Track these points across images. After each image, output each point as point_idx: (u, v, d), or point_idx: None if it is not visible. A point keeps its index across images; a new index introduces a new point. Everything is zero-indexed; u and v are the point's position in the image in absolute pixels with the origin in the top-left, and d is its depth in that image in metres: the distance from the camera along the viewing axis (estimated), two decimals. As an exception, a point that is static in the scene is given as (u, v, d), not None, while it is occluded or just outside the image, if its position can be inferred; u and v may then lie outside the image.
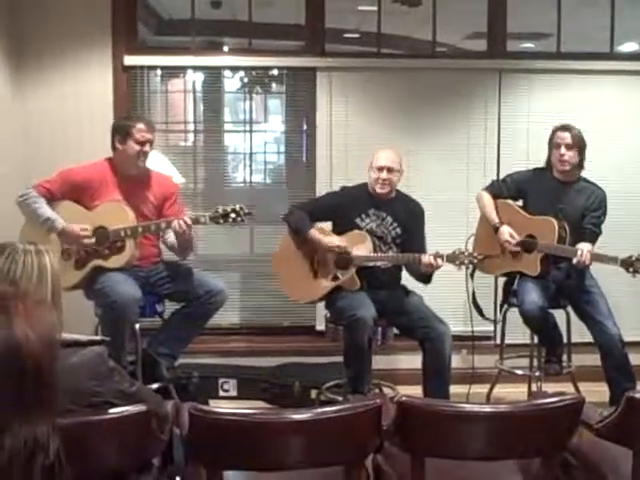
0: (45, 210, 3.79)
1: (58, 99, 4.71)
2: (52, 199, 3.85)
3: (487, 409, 2.34)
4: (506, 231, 4.13)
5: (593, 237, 4.07)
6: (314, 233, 4.07)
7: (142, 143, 3.84)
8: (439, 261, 3.83)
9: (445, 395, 3.88)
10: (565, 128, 4.15)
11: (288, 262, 4.17)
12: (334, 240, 4.03)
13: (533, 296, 4.00)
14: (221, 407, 2.66)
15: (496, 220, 4.19)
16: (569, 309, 4.24)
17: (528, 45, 5.58)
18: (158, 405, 2.38)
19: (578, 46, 5.10)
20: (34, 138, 4.67)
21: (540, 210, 4.14)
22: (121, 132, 3.87)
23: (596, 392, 4.06)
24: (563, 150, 4.11)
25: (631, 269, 3.73)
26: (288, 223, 4.17)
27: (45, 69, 4.69)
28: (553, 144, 4.17)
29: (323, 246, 4.03)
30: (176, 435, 2.43)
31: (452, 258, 3.86)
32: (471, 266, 4.04)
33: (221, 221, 3.72)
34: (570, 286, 4.15)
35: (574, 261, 3.88)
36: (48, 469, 1.81)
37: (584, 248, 3.89)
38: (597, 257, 3.89)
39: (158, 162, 4.35)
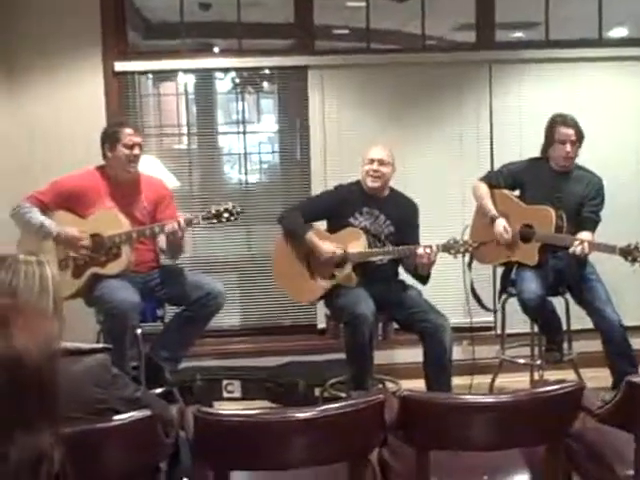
0: (38, 217, 3.80)
1: (50, 107, 4.71)
2: (45, 210, 3.86)
3: (489, 400, 2.36)
4: (501, 224, 4.14)
5: (593, 225, 4.09)
6: (310, 238, 4.06)
7: (131, 146, 3.87)
8: (433, 248, 3.84)
9: (447, 387, 3.90)
10: (567, 124, 4.12)
11: (285, 263, 4.18)
12: (330, 247, 4.02)
13: (532, 285, 4.02)
14: (225, 409, 2.68)
15: (493, 211, 4.20)
16: (568, 297, 4.26)
17: (517, 35, 5.58)
18: (163, 409, 2.40)
19: (567, 34, 5.11)
20: (25, 146, 4.66)
21: (537, 200, 4.15)
22: (109, 139, 3.89)
23: (598, 378, 4.10)
24: (569, 147, 4.11)
25: (630, 257, 3.75)
26: (283, 226, 4.18)
27: (36, 77, 4.68)
28: (556, 139, 4.15)
29: (319, 253, 4.04)
30: (182, 438, 2.44)
31: (447, 247, 3.88)
32: (467, 255, 4.06)
33: (214, 221, 3.76)
34: (568, 274, 4.17)
35: (573, 251, 3.89)
36: (54, 478, 1.83)
37: (584, 238, 3.91)
38: (595, 246, 3.90)
39: (152, 167, 4.36)
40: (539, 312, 4.07)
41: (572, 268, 4.15)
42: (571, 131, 4.12)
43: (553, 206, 4.07)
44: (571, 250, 3.90)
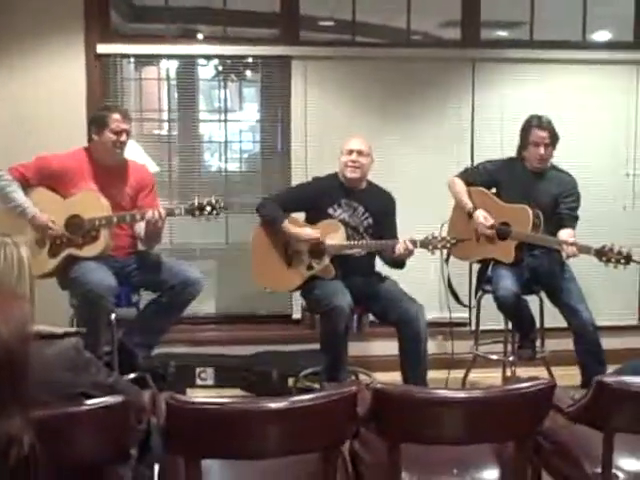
0: (18, 196, 3.78)
1: (30, 88, 4.67)
2: (26, 184, 3.84)
3: (461, 395, 2.36)
4: (480, 215, 4.17)
5: (572, 222, 4.14)
6: (287, 226, 4.07)
7: (118, 133, 3.85)
8: (411, 246, 3.86)
9: (422, 379, 3.92)
10: (541, 126, 4.16)
11: (262, 252, 4.17)
12: (307, 231, 4.03)
13: (507, 282, 4.05)
14: (198, 396, 2.67)
15: (470, 205, 4.23)
16: (542, 295, 4.30)
17: (502, 34, 5.61)
18: (135, 395, 2.39)
19: (551, 34, 5.14)
20: (5, 126, 4.63)
21: (513, 199, 4.19)
22: (97, 123, 3.88)
23: (569, 376, 4.14)
24: (542, 150, 4.15)
25: (604, 258, 3.80)
26: (260, 215, 4.17)
27: (17, 58, 4.64)
28: (530, 142, 4.19)
29: (297, 238, 4.04)
30: (153, 425, 2.43)
31: (425, 243, 3.90)
32: (445, 250, 4.08)
33: (197, 213, 3.74)
34: (544, 273, 4.21)
35: (565, 255, 3.94)
36: (23, 461, 1.82)
37: (565, 236, 3.95)
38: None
39: (132, 151, 4.34)
40: (513, 309, 4.10)
41: (547, 267, 4.19)
42: (545, 134, 4.15)
43: (529, 205, 4.10)
44: (564, 254, 3.94)
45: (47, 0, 4.61)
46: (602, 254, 3.80)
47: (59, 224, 3.79)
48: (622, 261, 3.79)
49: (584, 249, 3.87)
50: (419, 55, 4.98)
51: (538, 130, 4.17)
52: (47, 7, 4.61)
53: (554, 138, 4.17)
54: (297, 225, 4.10)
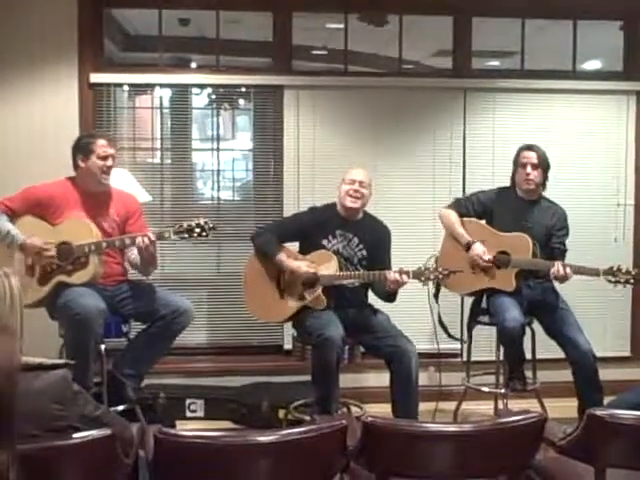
0: (5, 225, 3.78)
1: (23, 116, 4.68)
2: (13, 216, 3.84)
3: (451, 429, 2.36)
4: (479, 248, 4.15)
5: (563, 255, 4.16)
6: (281, 258, 4.05)
7: (104, 158, 3.85)
8: (404, 277, 3.85)
9: (413, 413, 3.88)
10: (530, 148, 4.22)
11: (255, 282, 4.16)
12: (303, 268, 4.01)
13: (514, 313, 4.01)
14: (187, 429, 2.65)
15: (468, 238, 4.20)
16: (534, 326, 4.28)
17: (493, 63, 5.66)
18: (123, 428, 2.36)
19: (542, 64, 5.19)
20: (-2, 155, 4.64)
21: (506, 228, 4.18)
22: (83, 150, 3.88)
23: (560, 408, 4.11)
24: (529, 169, 4.17)
25: (613, 279, 3.81)
26: (255, 245, 4.17)
27: (10, 85, 4.66)
28: (519, 163, 4.24)
29: (292, 273, 4.03)
30: (142, 458, 2.41)
31: (418, 274, 3.88)
32: (437, 281, 4.06)
33: (186, 235, 3.72)
34: (540, 303, 4.20)
35: (553, 273, 3.92)
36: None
37: (559, 265, 3.95)
38: (578, 269, 3.94)
39: (124, 180, 4.34)
40: (517, 340, 4.04)
41: (543, 297, 4.19)
42: (532, 154, 4.19)
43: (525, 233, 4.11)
44: (552, 271, 3.92)
45: (41, 29, 4.63)
46: (612, 274, 3.81)
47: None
48: (632, 281, 3.80)
49: (592, 271, 3.88)
50: (411, 84, 5.01)
51: (525, 151, 4.22)
52: (41, 36, 4.62)
53: (542, 161, 4.18)
54: (292, 257, 4.09)
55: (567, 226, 4.24)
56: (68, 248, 3.77)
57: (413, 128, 4.99)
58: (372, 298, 4.18)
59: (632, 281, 3.80)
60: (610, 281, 3.83)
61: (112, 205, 3.96)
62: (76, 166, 3.91)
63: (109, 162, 3.88)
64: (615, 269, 3.81)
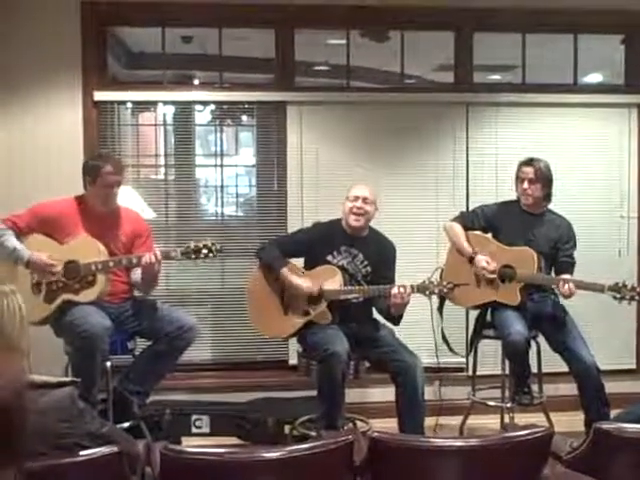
0: (11, 242, 3.80)
1: (28, 134, 4.69)
2: (20, 233, 3.85)
3: (458, 444, 2.35)
4: (482, 259, 4.16)
5: (571, 269, 4.16)
6: (286, 273, 4.06)
7: (110, 186, 3.87)
8: (408, 290, 3.84)
9: (420, 427, 3.88)
10: (529, 163, 4.23)
11: (259, 298, 4.16)
12: (307, 284, 4.01)
13: (519, 327, 4.01)
14: (193, 446, 2.65)
15: (470, 250, 4.21)
16: (539, 340, 4.27)
17: (495, 77, 5.67)
18: (129, 445, 2.37)
19: (544, 78, 5.20)
20: (2, 173, 4.64)
21: (511, 241, 4.18)
22: (90, 173, 3.90)
23: (567, 421, 4.10)
24: (526, 185, 4.20)
25: (618, 295, 3.80)
26: (260, 259, 4.17)
27: (15, 104, 4.67)
28: (518, 178, 4.26)
29: (296, 290, 4.03)
30: (148, 475, 2.41)
31: (422, 288, 3.88)
32: (442, 295, 4.06)
33: (193, 256, 3.75)
34: (544, 317, 4.19)
35: (560, 290, 3.92)
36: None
37: (566, 278, 3.95)
38: (583, 285, 3.94)
39: (128, 197, 4.35)
40: (524, 354, 4.03)
41: (548, 311, 4.19)
42: (529, 169, 4.20)
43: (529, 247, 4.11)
44: (559, 289, 3.92)
45: (45, 48, 4.65)
46: (617, 290, 3.80)
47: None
48: (637, 297, 3.79)
49: (597, 287, 3.87)
50: (413, 99, 5.02)
51: (523, 166, 4.23)
52: (45, 55, 4.64)
53: (540, 175, 4.18)
54: (297, 273, 4.09)
55: (574, 238, 4.24)
56: (75, 266, 3.78)
57: (416, 143, 5.00)
58: (377, 315, 4.18)
59: (637, 298, 3.79)
60: (615, 297, 3.82)
61: (120, 225, 3.98)
62: (85, 186, 3.94)
63: (114, 189, 3.89)
64: (620, 285, 3.81)
